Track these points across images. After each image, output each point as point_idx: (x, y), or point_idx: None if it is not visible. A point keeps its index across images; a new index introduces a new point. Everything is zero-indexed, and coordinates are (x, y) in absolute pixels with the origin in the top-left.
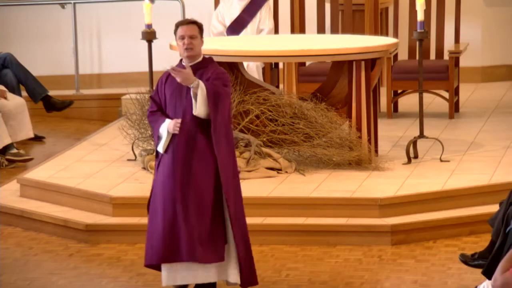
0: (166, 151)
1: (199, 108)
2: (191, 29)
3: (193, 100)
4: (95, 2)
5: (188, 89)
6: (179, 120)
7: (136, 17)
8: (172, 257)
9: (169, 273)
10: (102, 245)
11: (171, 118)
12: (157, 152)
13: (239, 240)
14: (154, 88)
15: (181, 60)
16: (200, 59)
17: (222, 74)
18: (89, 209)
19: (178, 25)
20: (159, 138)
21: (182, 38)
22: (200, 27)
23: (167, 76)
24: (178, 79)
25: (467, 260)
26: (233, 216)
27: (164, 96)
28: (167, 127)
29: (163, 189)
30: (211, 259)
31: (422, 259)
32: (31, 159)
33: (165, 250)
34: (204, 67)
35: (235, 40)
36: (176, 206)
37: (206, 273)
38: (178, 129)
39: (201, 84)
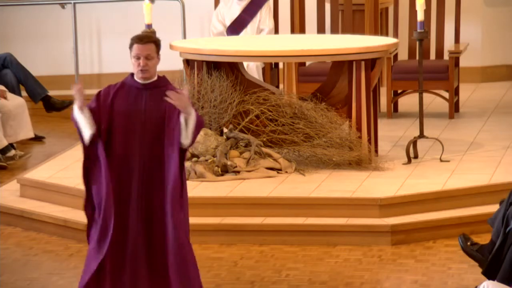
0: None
1: (188, 137)
2: (147, 48)
3: (183, 128)
4: (95, 2)
5: (149, 114)
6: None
7: (136, 17)
8: None
9: None
10: None
11: (116, 147)
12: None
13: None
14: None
15: (132, 75)
16: (155, 78)
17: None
18: None
19: (133, 42)
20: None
21: (137, 58)
22: (157, 44)
23: (117, 91)
24: (177, 104)
25: (465, 242)
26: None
27: (108, 113)
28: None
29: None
30: None
31: (422, 259)
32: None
33: None
34: (160, 86)
35: (235, 40)
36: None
37: None
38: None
39: (193, 114)
